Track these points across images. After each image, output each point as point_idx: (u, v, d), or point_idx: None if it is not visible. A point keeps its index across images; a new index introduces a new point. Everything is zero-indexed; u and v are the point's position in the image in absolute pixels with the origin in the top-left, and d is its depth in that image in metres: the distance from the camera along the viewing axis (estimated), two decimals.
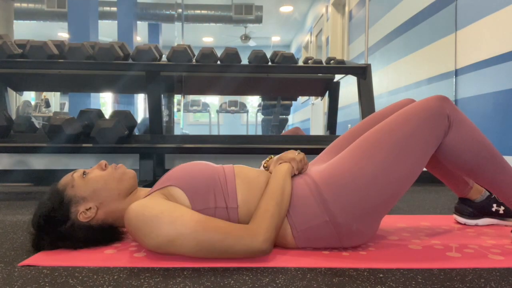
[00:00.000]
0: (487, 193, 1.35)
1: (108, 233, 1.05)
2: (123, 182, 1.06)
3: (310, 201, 0.99)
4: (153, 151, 2.54)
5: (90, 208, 1.01)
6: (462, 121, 1.04)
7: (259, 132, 7.83)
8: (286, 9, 9.08)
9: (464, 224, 1.37)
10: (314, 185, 1.01)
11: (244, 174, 1.06)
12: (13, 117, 3.79)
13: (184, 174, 1.02)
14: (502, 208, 1.34)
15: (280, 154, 1.12)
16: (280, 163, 1.08)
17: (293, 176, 1.07)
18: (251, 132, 10.21)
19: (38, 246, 1.02)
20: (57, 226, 1.00)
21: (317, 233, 1.00)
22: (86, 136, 2.35)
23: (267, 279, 0.83)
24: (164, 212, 0.91)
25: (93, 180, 1.04)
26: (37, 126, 2.86)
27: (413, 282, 0.82)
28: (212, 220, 0.93)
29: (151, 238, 0.90)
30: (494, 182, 1.07)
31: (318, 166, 1.12)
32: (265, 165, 1.14)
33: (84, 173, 1.05)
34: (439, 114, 1.02)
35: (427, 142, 1.01)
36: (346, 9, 5.94)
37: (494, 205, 1.34)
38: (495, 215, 1.35)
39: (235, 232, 0.91)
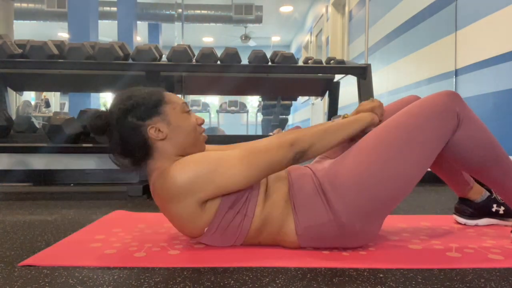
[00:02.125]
0: (487, 193, 1.35)
1: (147, 155, 1.03)
2: (195, 145, 1.06)
3: (315, 199, 1.00)
4: None
5: (162, 132, 1.01)
6: (471, 119, 1.02)
7: (259, 132, 7.83)
8: (286, 9, 9.08)
9: (464, 224, 1.36)
10: (319, 183, 1.01)
11: (263, 182, 1.06)
12: (13, 117, 3.79)
13: None
14: (502, 208, 1.33)
15: (357, 108, 1.12)
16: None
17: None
18: (251, 132, 10.21)
19: (96, 120, 1.01)
20: (131, 116, 0.99)
21: (321, 231, 1.00)
22: (86, 136, 2.35)
23: (267, 279, 0.83)
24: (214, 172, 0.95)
25: (187, 121, 1.04)
26: (37, 126, 2.86)
27: (413, 282, 0.82)
28: (252, 161, 0.97)
29: (208, 190, 0.95)
30: (499, 181, 1.06)
31: (323, 163, 1.11)
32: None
33: (188, 111, 1.05)
34: (448, 111, 1.00)
35: (434, 139, 0.99)
36: (346, 9, 5.94)
37: (494, 205, 1.34)
38: (495, 215, 1.34)
39: (275, 149, 0.97)
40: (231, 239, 1.03)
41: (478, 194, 1.34)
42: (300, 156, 0.98)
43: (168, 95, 1.05)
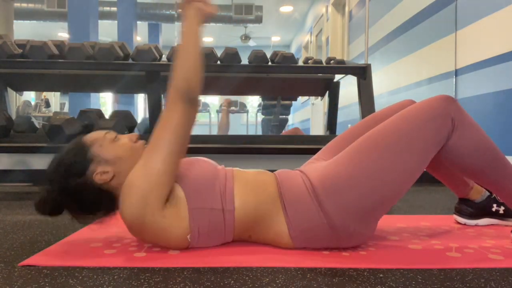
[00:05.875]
0: (487, 193, 1.35)
1: (112, 201, 1.02)
2: None
3: (307, 202, 0.99)
4: None
5: (107, 172, 0.98)
6: (467, 123, 1.01)
7: (259, 132, 7.83)
8: (286, 9, 9.08)
9: (464, 224, 1.37)
10: (311, 186, 1.01)
11: (242, 177, 1.06)
12: (13, 117, 3.79)
13: (184, 170, 1.02)
14: (502, 208, 1.34)
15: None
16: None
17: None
18: (251, 132, 10.21)
19: (42, 202, 0.99)
20: (71, 177, 0.97)
21: (315, 234, 1.00)
22: None
23: (267, 279, 0.83)
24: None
25: (122, 147, 1.02)
26: (37, 126, 2.86)
27: (413, 282, 0.82)
28: (158, 140, 0.95)
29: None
30: (497, 184, 1.06)
31: (315, 166, 1.11)
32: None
33: (116, 137, 1.03)
34: (443, 115, 0.99)
35: (428, 144, 0.99)
36: (346, 9, 5.95)
37: (494, 205, 1.34)
38: (495, 215, 1.35)
39: (173, 123, 0.94)
40: (220, 237, 1.03)
41: (478, 194, 1.34)
42: (191, 95, 0.96)
43: (88, 137, 1.02)
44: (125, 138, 1.04)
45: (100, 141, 1.01)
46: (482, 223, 1.35)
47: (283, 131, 6.22)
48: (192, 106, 0.96)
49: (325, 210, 0.98)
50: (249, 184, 1.04)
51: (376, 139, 1.00)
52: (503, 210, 1.34)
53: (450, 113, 1.00)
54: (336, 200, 0.97)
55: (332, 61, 2.69)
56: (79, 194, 0.98)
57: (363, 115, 2.49)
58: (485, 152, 1.02)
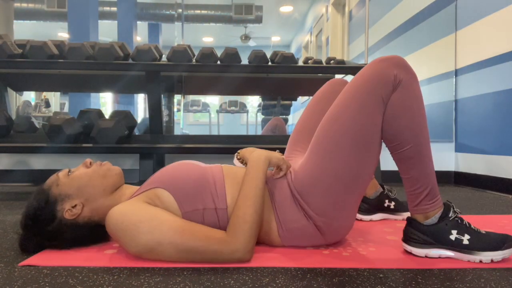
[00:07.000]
0: (380, 190, 1.45)
1: (95, 231, 1.04)
2: (107, 178, 1.05)
3: (292, 203, 1.02)
4: (153, 151, 2.54)
5: (75, 205, 1.00)
6: (411, 85, 0.97)
7: (259, 132, 7.83)
8: (286, 9, 9.08)
9: (361, 220, 1.45)
10: (293, 189, 1.03)
11: (233, 174, 1.06)
12: (13, 117, 3.79)
13: (171, 176, 1.02)
14: (393, 203, 1.44)
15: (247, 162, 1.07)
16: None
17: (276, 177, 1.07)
18: (251, 132, 10.20)
19: (24, 247, 1.02)
20: (44, 225, 0.99)
21: (301, 232, 1.02)
22: (86, 136, 2.35)
23: (267, 279, 0.83)
24: (143, 222, 0.90)
25: (77, 177, 1.03)
26: (37, 126, 2.86)
27: (413, 282, 0.82)
28: (191, 228, 0.92)
29: (131, 247, 0.91)
30: (411, 161, 0.98)
31: (296, 161, 1.14)
32: (238, 157, 1.13)
33: (69, 171, 1.04)
34: (382, 74, 0.95)
35: (374, 114, 0.96)
36: (346, 9, 5.95)
37: (386, 200, 1.45)
38: (387, 210, 1.45)
39: (213, 247, 0.90)
40: None
41: (372, 190, 1.44)
42: (253, 233, 0.94)
43: (47, 182, 1.04)
44: (78, 169, 1.05)
45: (55, 182, 1.02)
46: (376, 218, 1.45)
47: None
48: (239, 258, 0.92)
49: (307, 212, 1.00)
50: (239, 181, 1.04)
51: (328, 132, 0.99)
52: (393, 206, 1.44)
53: (391, 71, 0.96)
54: (313, 203, 0.99)
55: (332, 61, 2.69)
56: (60, 235, 1.00)
57: None
58: (414, 120, 0.97)
